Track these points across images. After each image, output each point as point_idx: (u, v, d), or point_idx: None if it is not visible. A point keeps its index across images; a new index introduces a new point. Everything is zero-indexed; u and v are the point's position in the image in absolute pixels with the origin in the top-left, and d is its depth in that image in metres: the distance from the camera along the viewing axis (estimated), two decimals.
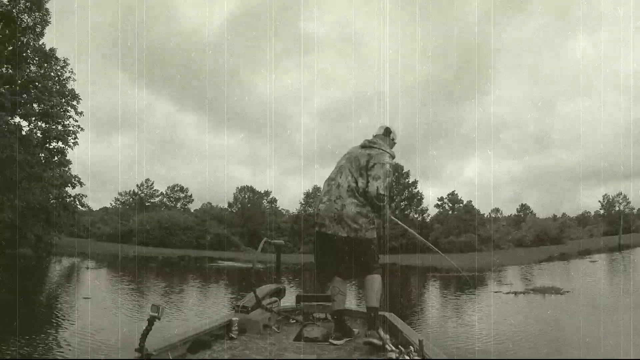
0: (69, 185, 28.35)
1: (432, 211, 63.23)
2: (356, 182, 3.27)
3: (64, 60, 27.96)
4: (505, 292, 15.23)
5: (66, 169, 28.22)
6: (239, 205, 59.83)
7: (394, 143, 3.59)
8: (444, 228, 57.72)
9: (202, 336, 3.08)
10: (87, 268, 23.01)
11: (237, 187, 61.32)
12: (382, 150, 3.35)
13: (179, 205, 63.21)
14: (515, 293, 15.04)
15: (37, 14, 25.85)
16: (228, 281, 19.97)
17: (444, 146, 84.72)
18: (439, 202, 62.70)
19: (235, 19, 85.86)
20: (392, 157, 3.41)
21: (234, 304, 3.78)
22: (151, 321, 2.39)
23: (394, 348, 2.69)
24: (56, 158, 28.33)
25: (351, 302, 4.44)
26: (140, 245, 40.63)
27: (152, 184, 62.79)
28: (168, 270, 25.12)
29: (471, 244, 55.47)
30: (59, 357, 6.45)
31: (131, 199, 59.58)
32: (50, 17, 26.34)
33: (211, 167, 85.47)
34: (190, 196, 64.31)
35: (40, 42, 27.02)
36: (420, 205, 63.49)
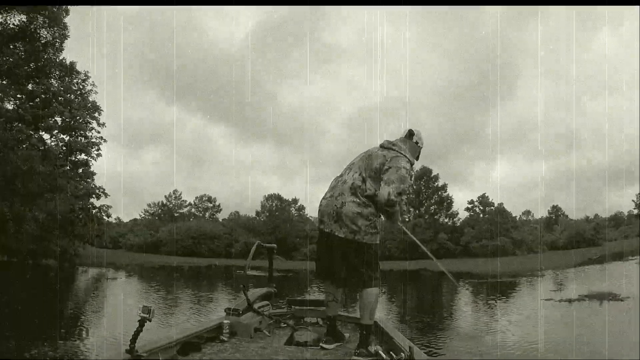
0: (94, 196, 27.97)
1: (462, 215, 60.44)
2: (363, 182, 2.97)
3: (84, 73, 27.75)
4: (558, 300, 13.29)
5: (89, 180, 27.84)
6: (267, 214, 58.79)
7: (419, 147, 3.26)
8: (476, 232, 54.90)
9: (192, 338, 3.00)
10: (107, 279, 22.11)
11: (265, 196, 60.39)
12: (401, 154, 3.02)
13: (207, 215, 62.74)
14: (570, 300, 13.10)
15: (55, 29, 25.51)
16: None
17: (471, 150, 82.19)
18: (470, 206, 59.90)
19: (258, 32, 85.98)
20: (411, 162, 3.07)
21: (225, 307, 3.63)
22: (142, 322, 2.36)
23: (384, 355, 2.64)
24: (81, 170, 28.06)
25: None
26: (169, 254, 40.10)
27: (180, 194, 62.77)
28: (185, 282, 24.04)
29: (504, 247, 52.72)
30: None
31: (160, 210, 59.54)
32: (68, 32, 26.01)
33: (239, 177, 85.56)
34: (219, 206, 63.91)
35: (61, 57, 26.78)
36: (450, 209, 60.92)
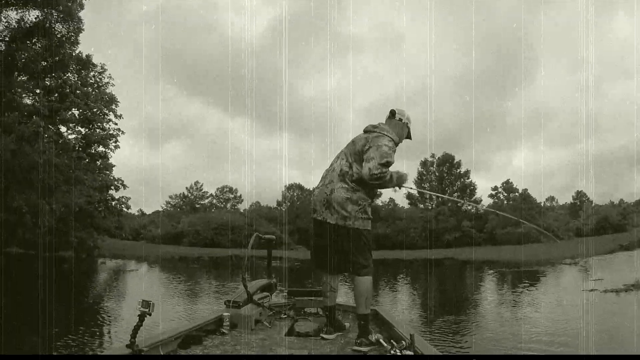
0: (112, 188, 27.60)
1: (486, 202, 58.38)
2: (350, 167, 3.00)
3: (101, 66, 27.25)
4: (602, 290, 11.89)
5: (108, 172, 27.48)
6: (288, 203, 58.04)
7: (404, 124, 3.21)
8: (500, 219, 52.80)
9: (193, 332, 2.95)
10: (125, 271, 21.64)
11: (285, 185, 59.62)
12: (382, 133, 3.00)
13: (228, 206, 62.31)
14: (617, 291, 11.72)
15: (70, 23, 24.87)
16: (277, 279, 18.12)
17: (492, 137, 79.69)
18: (493, 192, 57.71)
19: (277, 26, 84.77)
20: (394, 140, 3.02)
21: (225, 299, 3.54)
22: (142, 317, 2.34)
23: (385, 344, 2.64)
24: (99, 162, 27.70)
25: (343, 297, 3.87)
26: (190, 246, 39.80)
27: (202, 186, 62.48)
28: (207, 273, 23.44)
29: (530, 234, 50.61)
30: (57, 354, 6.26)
31: (181, 202, 59.53)
32: (83, 25, 25.35)
33: (260, 168, 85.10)
34: (240, 196, 63.28)
35: (77, 51, 26.21)
36: (474, 196, 58.80)
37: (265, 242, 4.27)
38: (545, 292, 13.12)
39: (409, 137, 3.27)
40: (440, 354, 2.59)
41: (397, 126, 3.16)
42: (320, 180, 3.18)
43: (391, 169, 2.94)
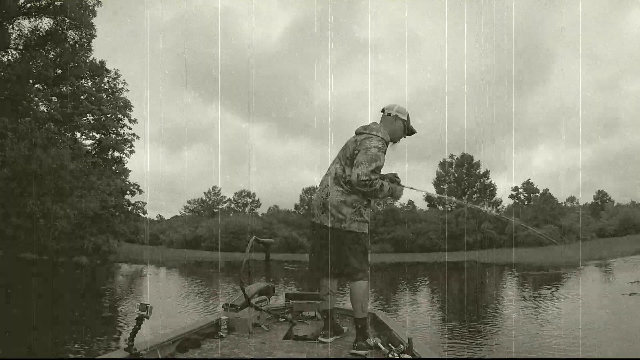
0: (128, 192, 27.20)
1: (506, 202, 56.40)
2: (344, 170, 2.96)
3: (115, 71, 26.96)
4: None
5: (123, 177, 27.09)
6: (306, 207, 57.26)
7: (394, 117, 3.07)
8: (521, 220, 50.74)
9: (191, 335, 2.94)
10: (143, 275, 21.10)
11: (303, 189, 58.87)
12: (372, 134, 2.94)
13: (246, 210, 61.80)
14: None
15: (82, 29, 24.62)
16: (297, 283, 17.75)
17: (512, 136, 77.29)
18: (514, 192, 55.58)
19: (292, 31, 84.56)
20: (384, 139, 2.94)
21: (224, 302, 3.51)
22: (140, 320, 2.32)
23: (383, 348, 2.62)
24: (114, 167, 27.37)
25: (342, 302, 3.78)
26: (209, 250, 39.35)
27: (220, 190, 62.08)
28: (226, 277, 22.77)
29: (552, 236, 48.41)
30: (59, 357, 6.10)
31: (200, 207, 59.29)
32: (95, 32, 25.07)
33: (277, 172, 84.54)
34: (258, 200, 62.74)
35: (91, 58, 25.96)
36: (494, 197, 56.82)
37: (264, 246, 4.09)
38: (584, 296, 11.85)
39: (410, 131, 3.10)
40: (440, 357, 2.46)
41: (387, 122, 3.06)
42: (320, 185, 3.15)
43: (384, 171, 2.88)
